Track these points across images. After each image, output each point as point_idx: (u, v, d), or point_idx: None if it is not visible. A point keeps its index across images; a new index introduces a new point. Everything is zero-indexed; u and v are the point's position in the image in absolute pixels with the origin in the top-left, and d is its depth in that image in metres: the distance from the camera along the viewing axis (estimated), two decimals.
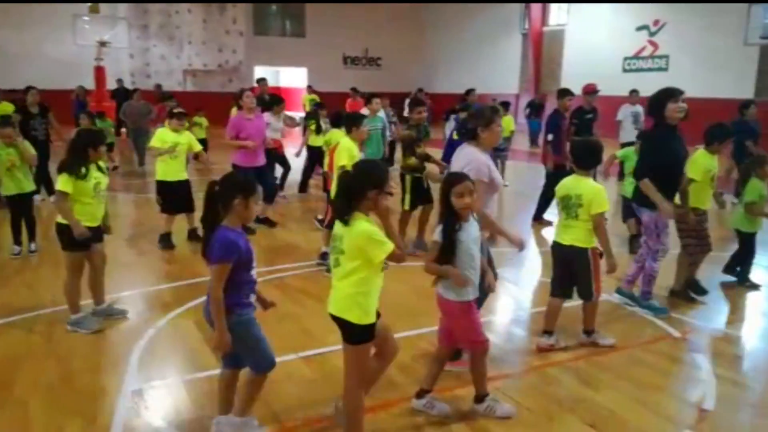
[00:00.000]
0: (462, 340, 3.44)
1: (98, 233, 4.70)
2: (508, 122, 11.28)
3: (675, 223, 5.17)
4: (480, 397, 3.44)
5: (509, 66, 24.85)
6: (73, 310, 4.62)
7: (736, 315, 5.25)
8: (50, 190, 9.23)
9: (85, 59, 19.70)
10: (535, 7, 23.46)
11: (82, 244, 4.50)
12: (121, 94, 16.67)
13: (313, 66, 25.90)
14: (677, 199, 5.08)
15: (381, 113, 8.48)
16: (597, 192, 4.08)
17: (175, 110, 7.19)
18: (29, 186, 6.54)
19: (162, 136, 6.89)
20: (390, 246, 2.76)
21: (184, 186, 6.96)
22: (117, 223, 8.14)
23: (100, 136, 4.67)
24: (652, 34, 19.93)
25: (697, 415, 3.51)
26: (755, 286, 5.71)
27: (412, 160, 6.62)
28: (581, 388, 3.78)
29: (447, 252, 3.18)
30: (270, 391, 3.65)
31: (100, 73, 19.45)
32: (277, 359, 3.11)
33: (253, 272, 3.03)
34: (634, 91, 11.90)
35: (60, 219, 4.48)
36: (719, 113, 9.97)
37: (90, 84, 18.89)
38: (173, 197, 6.91)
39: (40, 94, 9.34)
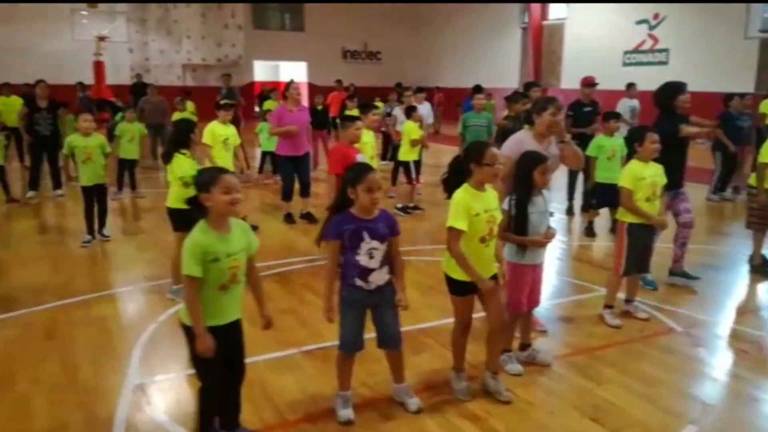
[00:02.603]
0: (507, 297, 3.69)
1: (199, 217, 4.87)
2: None
3: (747, 201, 6.06)
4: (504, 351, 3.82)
5: (509, 60, 24.78)
6: (175, 281, 4.93)
7: (742, 308, 5.26)
8: (56, 184, 9.29)
9: (84, 54, 19.65)
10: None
11: (188, 224, 4.68)
12: (140, 89, 16.54)
13: (313, 60, 25.83)
14: (753, 180, 5.83)
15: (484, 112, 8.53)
16: None
17: (223, 102, 7.39)
18: (103, 177, 6.73)
19: (213, 129, 6.95)
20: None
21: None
22: (144, 215, 8.45)
23: (193, 124, 5.12)
24: (652, 27, 19.86)
25: (700, 410, 3.51)
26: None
27: None
28: (583, 382, 3.78)
29: (519, 222, 3.61)
30: (272, 384, 3.67)
31: (99, 67, 19.40)
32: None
33: (360, 258, 3.10)
34: (631, 85, 11.81)
35: (169, 203, 4.97)
36: (719, 107, 10.03)
37: (89, 79, 18.85)
38: None
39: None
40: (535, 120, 4.27)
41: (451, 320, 3.60)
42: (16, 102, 10.74)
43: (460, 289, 3.40)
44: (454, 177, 3.39)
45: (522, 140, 4.21)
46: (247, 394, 3.25)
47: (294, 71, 26.63)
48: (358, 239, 3.09)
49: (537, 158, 3.67)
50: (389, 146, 11.47)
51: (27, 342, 4.31)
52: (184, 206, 4.72)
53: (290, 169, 7.76)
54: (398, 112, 10.07)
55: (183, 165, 4.87)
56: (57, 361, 4.00)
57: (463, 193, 3.32)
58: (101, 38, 19.61)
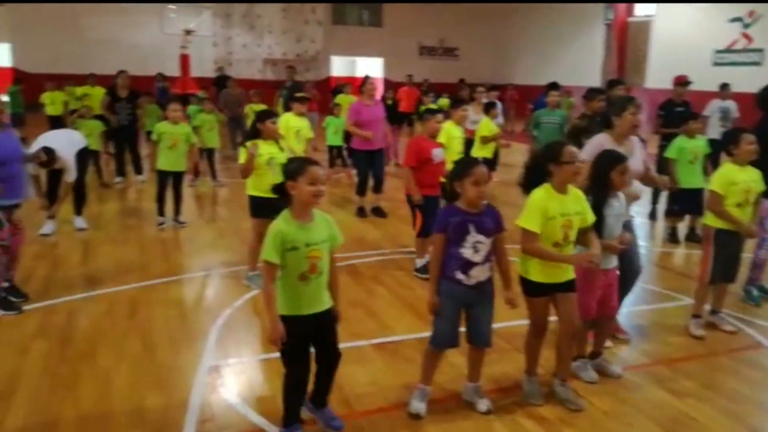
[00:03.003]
0: (578, 300, 3.53)
1: (277, 205, 5.05)
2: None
3: None
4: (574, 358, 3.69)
5: (591, 58, 24.01)
6: (251, 267, 5.14)
7: None
8: (137, 170, 9.75)
9: (170, 47, 20.46)
10: None
11: (265, 212, 4.84)
12: (223, 81, 17.09)
13: (389, 56, 25.91)
14: None
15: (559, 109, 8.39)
16: None
17: (298, 95, 7.59)
18: (183, 166, 7.07)
19: (287, 120, 7.15)
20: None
21: None
22: (224, 204, 8.74)
23: (268, 113, 5.19)
24: (746, 26, 18.78)
25: None
26: None
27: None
28: (662, 394, 3.61)
29: (595, 225, 3.40)
30: (341, 375, 3.69)
31: (184, 60, 20.14)
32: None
33: (464, 250, 3.08)
34: (725, 85, 11.14)
35: (248, 191, 5.10)
36: None
37: (174, 71, 19.62)
38: None
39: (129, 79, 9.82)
40: (614, 122, 4.09)
41: (525, 323, 3.52)
42: (100, 92, 11.30)
43: (534, 291, 3.32)
44: (533, 177, 3.31)
45: (602, 144, 4.03)
46: None
47: (370, 67, 26.86)
48: (464, 232, 3.07)
49: (616, 157, 3.54)
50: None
51: (111, 319, 4.52)
52: (263, 194, 4.97)
53: (365, 164, 7.84)
54: (469, 109, 9.85)
55: (261, 149, 5.00)
56: (137, 339, 4.18)
57: (542, 192, 3.24)
58: (188, 32, 20.34)
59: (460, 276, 3.11)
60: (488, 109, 8.60)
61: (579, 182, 3.37)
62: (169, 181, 7.01)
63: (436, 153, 5.33)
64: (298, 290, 2.85)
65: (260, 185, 5.00)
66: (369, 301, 4.97)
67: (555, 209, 3.18)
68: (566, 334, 3.38)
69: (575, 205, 3.27)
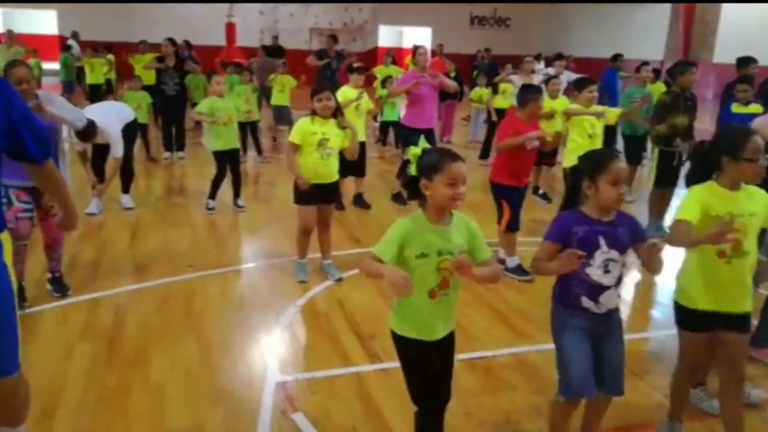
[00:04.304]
0: None
1: (326, 191, 4.58)
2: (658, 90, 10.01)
3: None
4: None
5: (654, 30, 22.66)
6: (298, 255, 4.73)
7: None
8: (180, 145, 9.25)
9: (218, 15, 19.97)
10: None
11: (309, 199, 4.49)
12: (275, 52, 16.49)
13: (439, 26, 24.93)
14: None
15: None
16: None
17: (356, 65, 6.85)
18: (236, 142, 6.53)
19: (345, 93, 6.45)
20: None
21: (361, 146, 6.17)
22: (276, 181, 8.10)
23: (318, 90, 4.53)
24: None
25: None
26: None
27: (661, 128, 5.79)
28: None
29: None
30: None
31: (230, 29, 19.65)
32: None
33: (592, 270, 2.40)
34: None
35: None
36: None
37: (220, 40, 19.16)
38: (344, 160, 5.76)
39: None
40: None
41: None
42: (146, 59, 10.77)
43: (692, 322, 2.66)
44: (699, 170, 2.64)
45: None
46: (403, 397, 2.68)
47: (418, 37, 25.95)
48: (593, 247, 2.39)
49: None
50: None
51: (162, 317, 4.04)
52: (310, 178, 4.40)
53: (415, 143, 7.01)
54: (515, 79, 8.84)
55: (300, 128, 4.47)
56: (193, 342, 3.69)
57: (703, 190, 2.57)
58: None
59: (587, 303, 2.44)
60: (581, 85, 6.33)
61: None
62: (227, 162, 6.44)
63: (532, 136, 4.66)
64: (425, 309, 2.27)
65: (308, 168, 4.47)
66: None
67: (722, 206, 2.50)
68: (730, 382, 2.66)
69: (752, 203, 2.56)
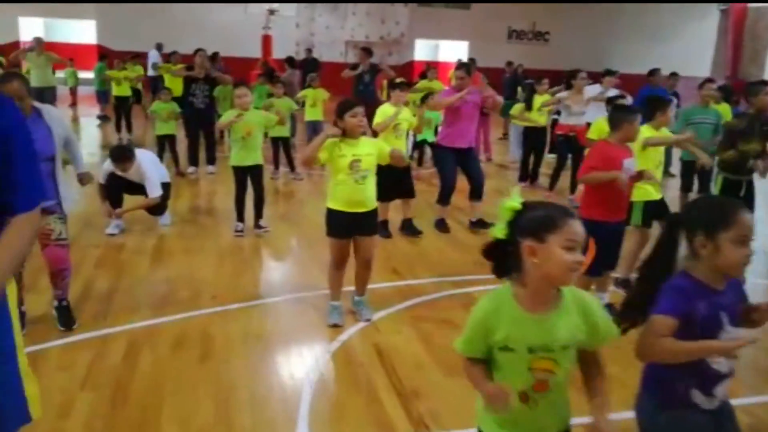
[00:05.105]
0: None
1: (363, 221, 3.98)
2: (725, 110, 9.22)
3: None
4: None
5: (701, 46, 21.83)
6: (331, 296, 4.19)
7: None
8: (210, 159, 8.88)
9: (254, 27, 19.79)
10: None
11: (343, 231, 3.95)
12: (310, 64, 16.15)
13: (476, 40, 24.43)
14: None
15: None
16: None
17: (398, 80, 6.35)
18: (258, 159, 6.00)
19: (385, 112, 5.97)
20: None
21: (405, 168, 5.77)
22: (306, 199, 7.72)
23: (347, 105, 3.89)
24: None
25: None
26: None
27: (729, 154, 5.22)
28: None
29: None
30: None
31: (267, 41, 19.45)
32: None
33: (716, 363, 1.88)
34: None
35: (327, 201, 4.02)
36: None
37: (256, 52, 18.95)
38: (389, 181, 5.20)
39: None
40: None
41: None
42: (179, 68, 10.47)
43: None
44: None
45: None
46: None
47: (454, 51, 25.49)
48: (716, 326, 1.85)
49: None
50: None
51: (178, 360, 3.58)
52: (345, 207, 3.86)
53: (452, 164, 6.33)
54: (565, 96, 8.09)
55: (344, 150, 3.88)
56: (210, 397, 3.21)
57: None
58: (272, 12, 19.63)
59: (699, 399, 1.91)
60: (655, 106, 5.03)
61: None
62: (246, 179, 6.00)
63: (628, 165, 3.99)
64: (519, 415, 1.75)
65: (340, 195, 3.93)
66: None
67: None
68: None
69: None
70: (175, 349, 3.71)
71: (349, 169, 3.86)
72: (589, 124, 8.43)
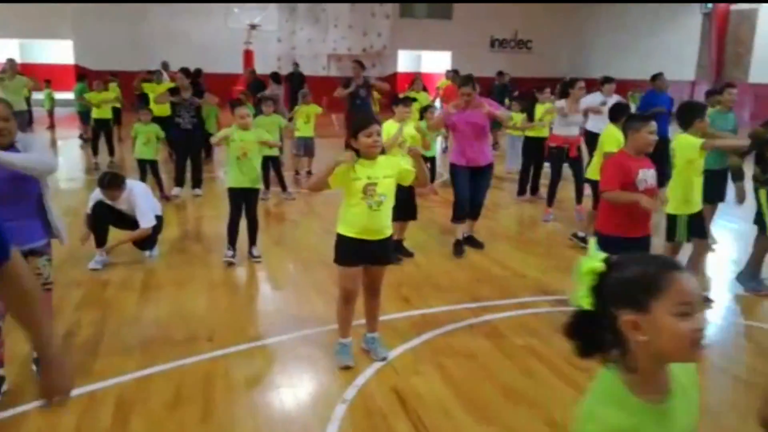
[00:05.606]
0: None
1: (376, 249, 3.59)
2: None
3: None
4: None
5: (685, 49, 21.80)
6: (340, 333, 3.80)
7: None
8: (196, 182, 8.47)
9: (236, 43, 19.42)
10: None
11: (355, 259, 3.57)
12: (297, 79, 15.70)
13: (458, 49, 24.27)
14: None
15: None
16: None
17: (402, 95, 6.04)
18: (255, 181, 5.63)
19: (389, 129, 5.62)
20: None
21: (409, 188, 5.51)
22: (301, 220, 7.25)
23: (362, 122, 3.54)
24: None
25: None
26: None
27: (757, 170, 4.97)
28: None
29: None
30: None
31: (248, 56, 19.09)
32: None
33: None
34: None
35: (338, 227, 3.66)
36: None
37: (237, 68, 18.57)
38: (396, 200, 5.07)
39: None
40: None
41: None
42: (164, 89, 9.97)
43: None
44: None
45: None
46: None
47: (436, 61, 25.31)
48: None
49: None
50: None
51: (176, 420, 3.16)
52: (357, 234, 3.49)
53: (463, 182, 6.02)
54: (563, 105, 7.50)
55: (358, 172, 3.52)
56: None
57: None
58: (253, 26, 19.28)
59: None
60: (694, 111, 4.77)
61: None
62: (242, 203, 5.60)
63: (643, 176, 3.72)
64: None
65: (353, 221, 3.56)
66: (532, 391, 3.48)
67: None
68: None
69: None
70: (171, 406, 3.28)
71: (363, 194, 3.49)
72: (587, 132, 8.20)
